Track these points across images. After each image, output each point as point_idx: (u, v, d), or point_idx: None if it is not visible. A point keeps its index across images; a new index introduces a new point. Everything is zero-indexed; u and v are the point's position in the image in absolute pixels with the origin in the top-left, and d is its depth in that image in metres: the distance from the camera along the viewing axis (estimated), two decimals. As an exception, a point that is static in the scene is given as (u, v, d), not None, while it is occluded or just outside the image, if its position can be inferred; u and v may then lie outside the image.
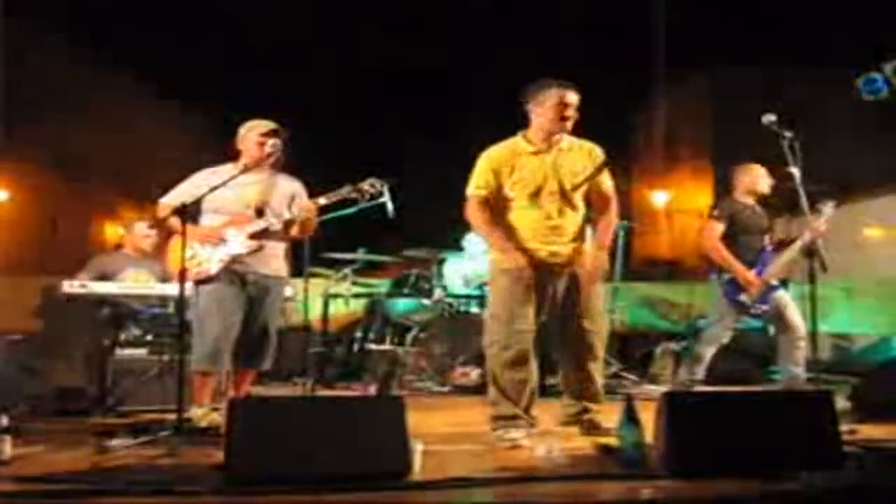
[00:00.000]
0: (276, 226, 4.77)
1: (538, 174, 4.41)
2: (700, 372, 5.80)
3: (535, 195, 4.41)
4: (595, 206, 4.59)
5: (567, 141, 4.49)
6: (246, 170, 4.71)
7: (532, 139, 4.49)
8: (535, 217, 4.41)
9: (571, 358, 4.49)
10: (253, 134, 4.80)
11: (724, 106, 21.86)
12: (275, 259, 4.86)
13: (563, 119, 4.39)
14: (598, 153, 4.55)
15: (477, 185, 4.50)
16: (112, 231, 22.52)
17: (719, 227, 5.72)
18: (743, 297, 5.62)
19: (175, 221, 4.57)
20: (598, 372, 4.50)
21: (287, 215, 4.78)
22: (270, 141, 4.76)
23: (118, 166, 21.63)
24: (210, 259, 4.66)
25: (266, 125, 4.81)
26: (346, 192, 4.76)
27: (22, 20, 16.73)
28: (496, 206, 4.49)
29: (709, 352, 5.79)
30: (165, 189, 4.86)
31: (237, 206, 4.73)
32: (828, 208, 5.40)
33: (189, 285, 4.62)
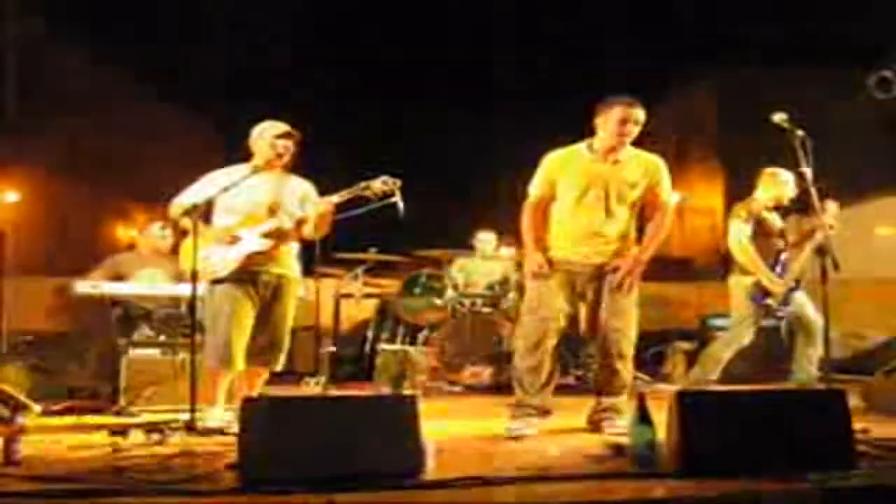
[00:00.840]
0: (289, 224, 4.79)
1: (587, 180, 4.54)
2: (716, 372, 5.80)
3: (581, 200, 4.55)
4: (647, 213, 4.71)
5: (626, 153, 4.59)
6: (257, 171, 4.74)
7: (594, 147, 4.61)
8: (579, 221, 4.57)
9: (600, 355, 4.65)
10: (266, 136, 4.82)
11: (732, 105, 21.80)
12: (288, 259, 4.87)
13: (622, 135, 4.49)
14: (656, 165, 4.66)
15: (533, 185, 4.70)
16: (123, 232, 22.62)
17: (748, 230, 5.74)
18: (769, 301, 5.65)
19: (187, 221, 4.59)
20: (624, 370, 4.63)
21: (299, 214, 4.80)
22: (282, 143, 4.79)
23: (128, 168, 21.70)
24: (224, 258, 4.66)
25: (279, 127, 4.83)
26: (358, 189, 4.77)
27: (34, 25, 16.81)
28: (551, 207, 4.67)
29: (728, 353, 5.79)
30: (177, 190, 4.87)
31: (249, 205, 4.75)
32: (832, 206, 5.46)
33: (202, 285, 4.65)
